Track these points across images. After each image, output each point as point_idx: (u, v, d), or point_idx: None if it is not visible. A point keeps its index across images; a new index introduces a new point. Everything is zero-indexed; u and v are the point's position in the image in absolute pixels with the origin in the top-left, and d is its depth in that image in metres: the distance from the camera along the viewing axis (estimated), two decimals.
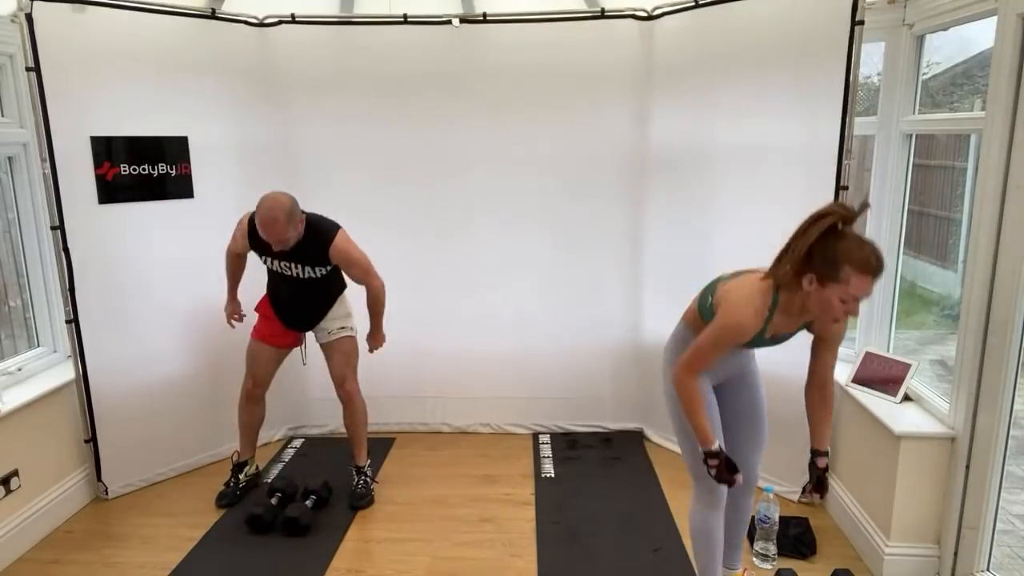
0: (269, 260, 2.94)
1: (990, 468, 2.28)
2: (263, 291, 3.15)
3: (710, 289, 2.10)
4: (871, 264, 1.70)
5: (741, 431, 2.23)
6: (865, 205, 1.78)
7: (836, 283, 1.73)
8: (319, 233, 2.84)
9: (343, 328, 3.08)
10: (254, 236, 2.84)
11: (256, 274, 3.11)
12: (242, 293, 3.18)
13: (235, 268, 3.12)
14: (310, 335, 3.17)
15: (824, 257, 1.75)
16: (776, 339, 2.05)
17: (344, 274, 3.01)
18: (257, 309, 3.14)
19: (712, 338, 1.93)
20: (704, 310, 2.07)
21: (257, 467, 3.33)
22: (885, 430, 2.53)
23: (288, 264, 2.90)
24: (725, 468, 2.02)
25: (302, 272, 2.92)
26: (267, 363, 3.12)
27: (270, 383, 3.17)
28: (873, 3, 2.77)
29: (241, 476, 3.22)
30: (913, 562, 2.53)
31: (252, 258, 3.05)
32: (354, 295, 3.15)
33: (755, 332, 1.93)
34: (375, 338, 3.15)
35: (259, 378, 3.12)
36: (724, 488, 2.07)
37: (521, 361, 3.79)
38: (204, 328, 3.40)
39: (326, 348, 3.11)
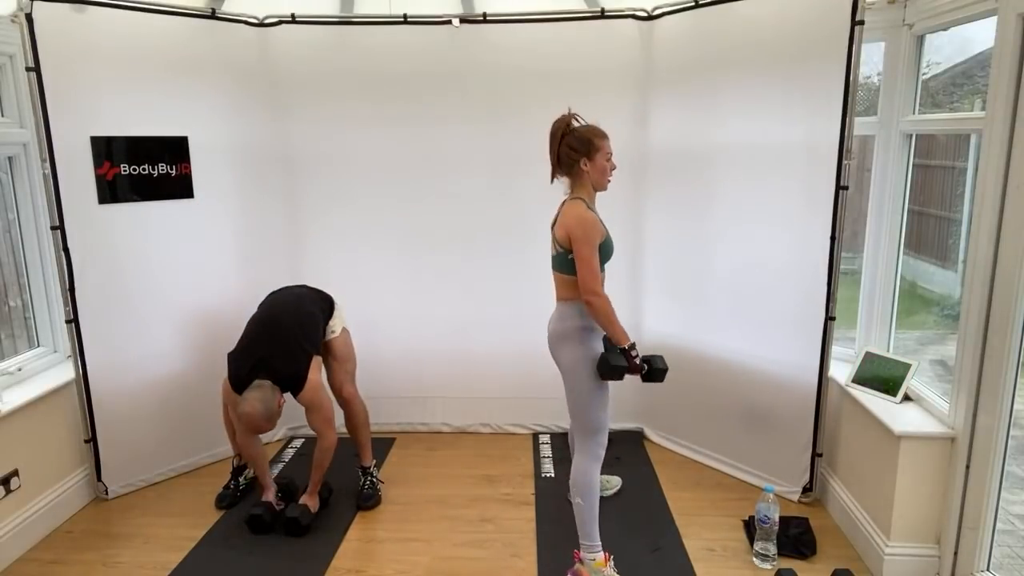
0: None
1: (990, 468, 2.28)
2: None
3: (560, 257, 2.44)
4: (601, 130, 2.45)
5: None
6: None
7: (599, 151, 2.41)
8: (289, 381, 2.82)
9: (329, 331, 3.07)
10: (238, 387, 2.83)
11: (260, 290, 3.10)
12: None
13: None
14: None
15: (579, 145, 2.40)
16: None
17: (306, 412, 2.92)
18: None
19: (586, 246, 2.33)
20: (566, 264, 2.42)
21: None
22: (885, 430, 2.54)
23: None
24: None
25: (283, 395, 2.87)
26: None
27: None
28: (873, 3, 2.77)
29: (241, 479, 3.22)
30: (913, 562, 2.53)
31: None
32: (341, 299, 3.12)
33: (604, 227, 2.40)
34: (311, 500, 2.97)
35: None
36: (606, 438, 2.50)
37: (521, 361, 3.78)
38: (204, 328, 3.40)
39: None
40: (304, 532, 2.89)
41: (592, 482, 2.46)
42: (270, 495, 3.01)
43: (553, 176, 2.51)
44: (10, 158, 3.12)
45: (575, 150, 2.41)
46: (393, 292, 3.79)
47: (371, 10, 3.55)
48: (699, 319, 3.40)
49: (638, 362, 2.41)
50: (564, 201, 2.49)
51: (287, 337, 2.86)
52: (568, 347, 2.46)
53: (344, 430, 3.25)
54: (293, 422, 3.87)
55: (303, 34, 3.50)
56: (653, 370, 2.45)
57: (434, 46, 3.50)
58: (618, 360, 2.38)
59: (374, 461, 3.26)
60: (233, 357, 2.88)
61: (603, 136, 2.43)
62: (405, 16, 3.46)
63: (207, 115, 3.34)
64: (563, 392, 2.52)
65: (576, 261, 2.35)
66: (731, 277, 3.24)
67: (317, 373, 2.88)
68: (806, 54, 2.83)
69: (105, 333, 3.11)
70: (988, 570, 2.36)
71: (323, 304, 3.08)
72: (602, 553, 2.48)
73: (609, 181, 2.47)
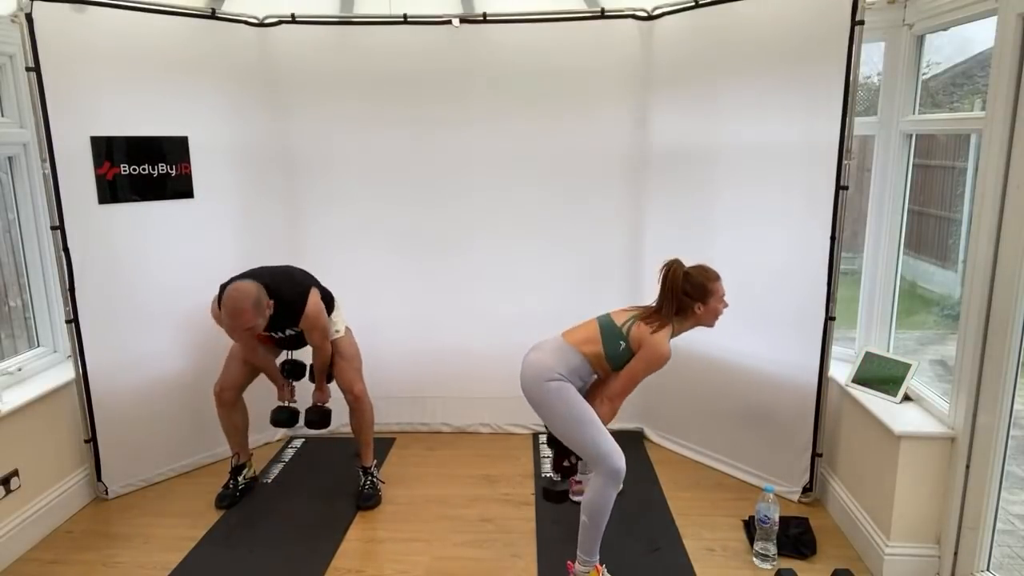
0: None
1: (990, 468, 2.28)
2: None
3: (617, 336, 2.48)
4: (713, 272, 2.52)
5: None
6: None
7: (713, 295, 2.49)
8: (290, 308, 2.88)
9: (334, 330, 3.09)
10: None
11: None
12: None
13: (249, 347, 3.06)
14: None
15: (695, 290, 2.47)
16: None
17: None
18: None
19: (644, 371, 2.48)
20: (615, 356, 2.48)
21: (255, 470, 3.34)
22: (885, 430, 2.54)
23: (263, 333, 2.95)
24: None
25: (279, 333, 3.00)
26: (238, 368, 3.10)
27: (241, 387, 3.14)
28: (873, 3, 2.77)
29: (240, 478, 3.22)
30: (913, 562, 2.53)
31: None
32: (339, 296, 3.13)
33: None
34: (322, 395, 3.14)
35: (225, 382, 3.10)
36: (621, 459, 2.42)
37: (521, 361, 3.78)
38: (204, 328, 3.39)
39: None
40: (326, 422, 3.11)
41: (606, 505, 2.38)
42: (286, 393, 3.15)
43: (669, 318, 2.50)
44: (10, 158, 3.12)
45: (690, 296, 2.47)
46: (393, 292, 3.79)
47: (371, 10, 3.54)
48: None
49: (568, 464, 2.63)
50: (653, 310, 2.54)
51: (284, 272, 2.97)
52: (550, 384, 2.42)
53: (347, 429, 3.26)
54: None
55: (303, 34, 3.50)
56: (553, 487, 2.64)
57: (434, 46, 3.50)
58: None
59: (375, 461, 3.26)
60: (224, 284, 2.87)
61: (716, 279, 2.51)
62: (405, 16, 3.46)
63: (207, 115, 3.34)
64: None
65: (625, 374, 2.49)
66: (731, 277, 3.20)
67: (318, 297, 2.94)
68: (806, 54, 2.83)
69: (105, 333, 3.11)
70: (988, 570, 2.37)
71: (323, 290, 3.10)
72: (596, 566, 2.46)
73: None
